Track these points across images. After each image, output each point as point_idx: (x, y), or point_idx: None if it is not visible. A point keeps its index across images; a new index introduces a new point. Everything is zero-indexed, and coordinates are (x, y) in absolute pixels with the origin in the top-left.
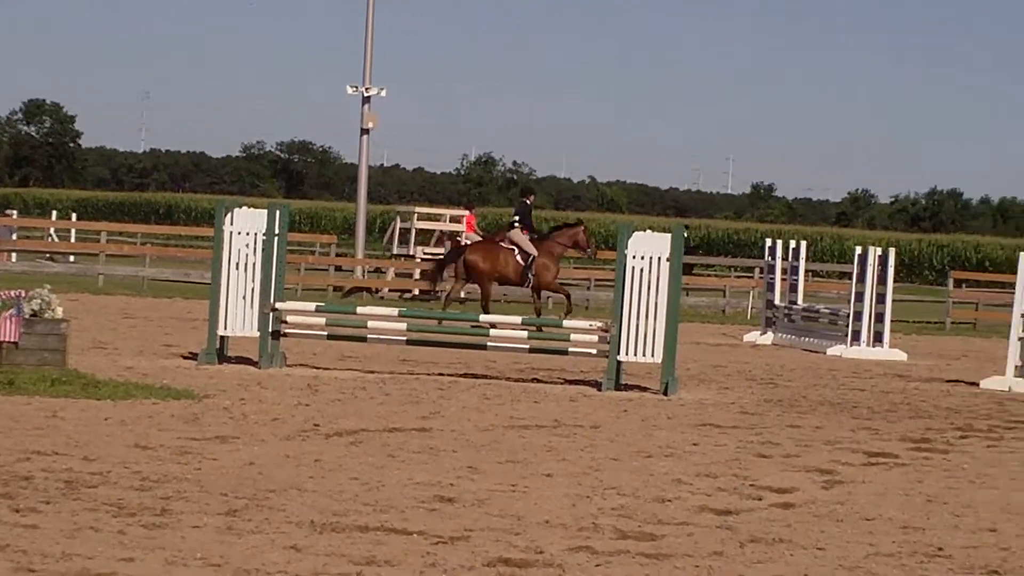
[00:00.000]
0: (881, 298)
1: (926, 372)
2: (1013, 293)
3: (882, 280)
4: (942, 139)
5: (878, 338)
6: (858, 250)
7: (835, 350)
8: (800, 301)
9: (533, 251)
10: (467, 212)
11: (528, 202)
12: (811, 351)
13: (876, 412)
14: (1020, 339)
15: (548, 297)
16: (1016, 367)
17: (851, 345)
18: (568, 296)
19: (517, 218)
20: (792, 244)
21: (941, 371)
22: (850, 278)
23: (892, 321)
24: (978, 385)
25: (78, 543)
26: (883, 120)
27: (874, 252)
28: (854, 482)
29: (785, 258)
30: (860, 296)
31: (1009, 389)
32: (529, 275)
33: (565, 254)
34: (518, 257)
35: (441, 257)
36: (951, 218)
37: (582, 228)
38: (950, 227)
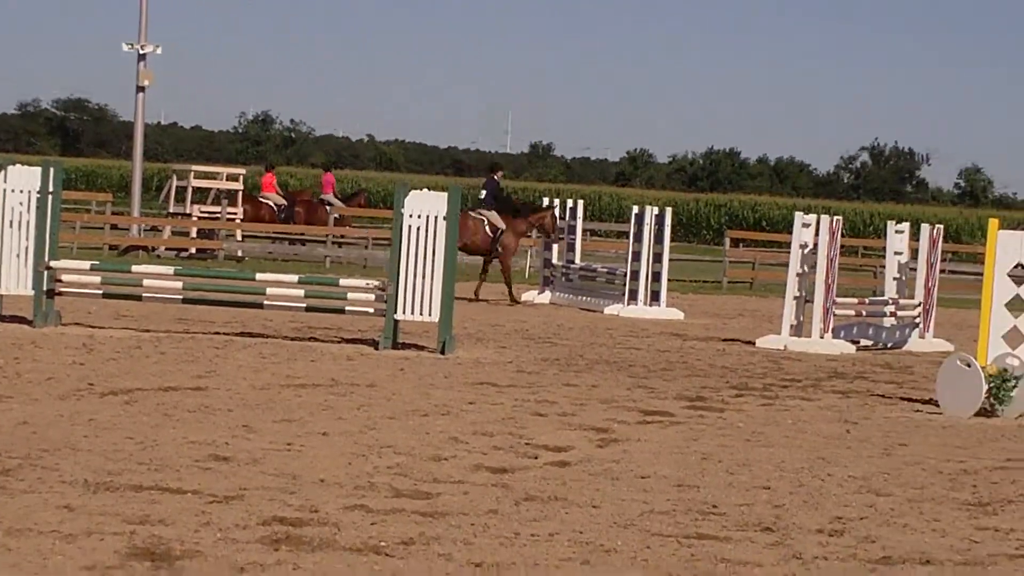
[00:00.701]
0: (658, 257)
1: (702, 331)
2: (789, 252)
3: (659, 239)
4: (719, 99)
5: (655, 297)
6: (635, 209)
7: (612, 309)
8: (578, 260)
9: (502, 225)
10: (267, 172)
11: (496, 178)
12: (589, 310)
13: (652, 371)
14: (795, 298)
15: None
16: (791, 326)
17: (628, 304)
18: (507, 272)
19: (484, 193)
20: (570, 203)
21: (717, 330)
22: (628, 237)
23: (669, 280)
24: (754, 344)
25: None
26: (661, 80)
27: (651, 211)
28: (629, 440)
29: (563, 217)
30: (637, 255)
31: (784, 348)
32: (496, 248)
33: (529, 234)
34: (487, 228)
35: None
36: (728, 178)
37: (550, 213)
38: (728, 187)
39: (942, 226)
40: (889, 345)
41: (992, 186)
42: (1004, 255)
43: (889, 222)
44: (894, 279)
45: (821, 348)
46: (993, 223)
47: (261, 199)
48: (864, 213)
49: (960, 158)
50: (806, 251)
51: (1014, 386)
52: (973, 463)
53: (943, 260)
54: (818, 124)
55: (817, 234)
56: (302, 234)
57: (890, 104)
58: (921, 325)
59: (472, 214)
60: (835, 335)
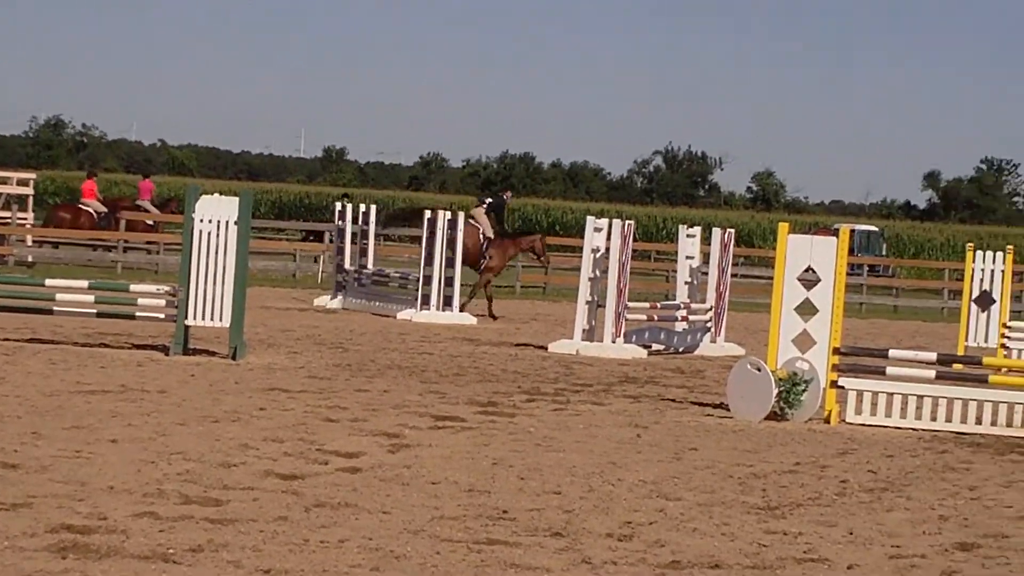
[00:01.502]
0: (451, 262)
1: (495, 336)
2: (581, 257)
3: (452, 244)
4: (513, 103)
5: (448, 302)
6: (428, 214)
7: (405, 314)
8: (371, 265)
9: (491, 234)
10: (88, 179)
11: (506, 197)
12: (381, 315)
13: (444, 376)
14: (588, 303)
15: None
16: (584, 331)
17: (421, 309)
18: (488, 287)
19: (489, 201)
20: (363, 208)
21: (510, 335)
22: (421, 242)
23: (461, 285)
24: (546, 349)
25: None
26: (455, 84)
27: (444, 216)
28: (421, 446)
29: (356, 222)
30: (430, 260)
31: (577, 352)
32: (484, 257)
33: (517, 255)
34: (480, 235)
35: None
36: (522, 182)
37: (539, 237)
38: (522, 191)
39: (733, 230)
40: (681, 349)
41: (784, 190)
42: (794, 259)
43: (681, 226)
44: (686, 283)
45: (613, 353)
46: (783, 227)
47: (81, 206)
48: (657, 217)
49: (753, 162)
50: (598, 255)
51: (804, 390)
52: (763, 467)
53: (735, 264)
54: (612, 128)
55: (609, 238)
56: (107, 240)
57: (683, 108)
58: (712, 329)
59: (472, 221)
60: (627, 339)
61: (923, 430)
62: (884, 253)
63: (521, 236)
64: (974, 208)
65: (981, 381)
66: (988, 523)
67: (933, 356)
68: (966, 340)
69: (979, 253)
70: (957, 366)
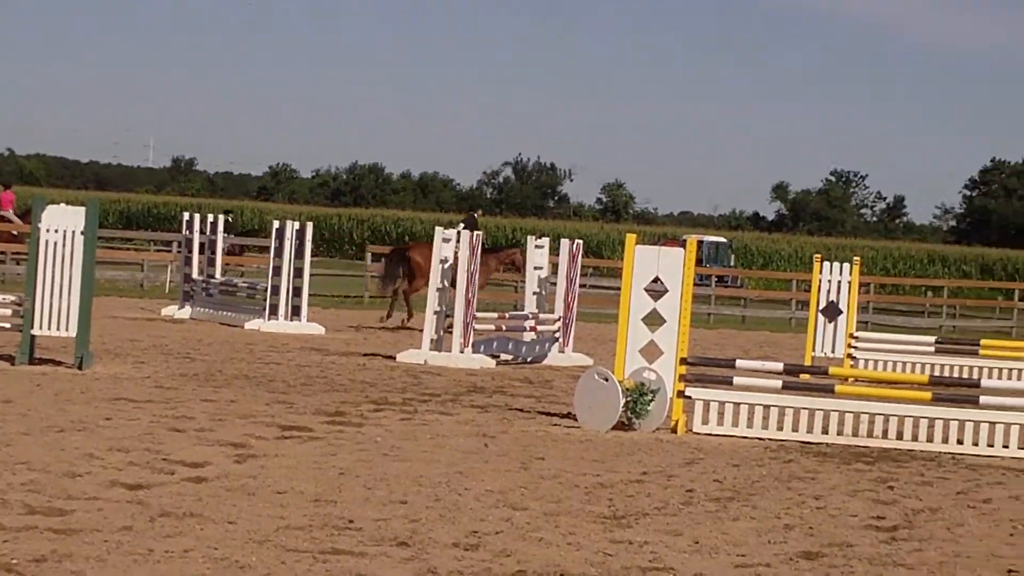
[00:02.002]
0: (299, 272)
1: (343, 346)
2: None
3: (300, 254)
4: (363, 114)
5: (296, 312)
6: (275, 224)
7: (253, 324)
8: (219, 275)
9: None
10: (3, 190)
11: (476, 216)
12: (229, 325)
13: (292, 386)
14: (436, 313)
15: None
16: (432, 340)
17: (269, 319)
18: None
19: (462, 226)
20: (211, 218)
21: (358, 345)
22: (269, 252)
23: (310, 295)
24: (395, 359)
25: None
26: (305, 94)
27: (292, 226)
28: (267, 455)
29: (204, 232)
30: (278, 270)
31: (425, 362)
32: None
33: (499, 270)
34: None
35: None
36: (372, 192)
37: (517, 251)
38: (371, 201)
39: (581, 241)
40: (529, 359)
41: (633, 201)
42: (641, 270)
43: (529, 237)
44: (534, 294)
45: (461, 362)
46: (630, 238)
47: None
48: (507, 228)
49: (602, 174)
50: (446, 266)
51: (651, 400)
52: (610, 476)
53: (583, 275)
54: (461, 139)
55: (457, 249)
56: None
57: (533, 119)
58: (561, 339)
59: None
60: (475, 350)
61: (769, 440)
62: (732, 264)
63: (500, 250)
64: (822, 220)
65: (827, 391)
66: (833, 532)
67: (780, 366)
68: (813, 350)
69: (826, 264)
70: (804, 376)
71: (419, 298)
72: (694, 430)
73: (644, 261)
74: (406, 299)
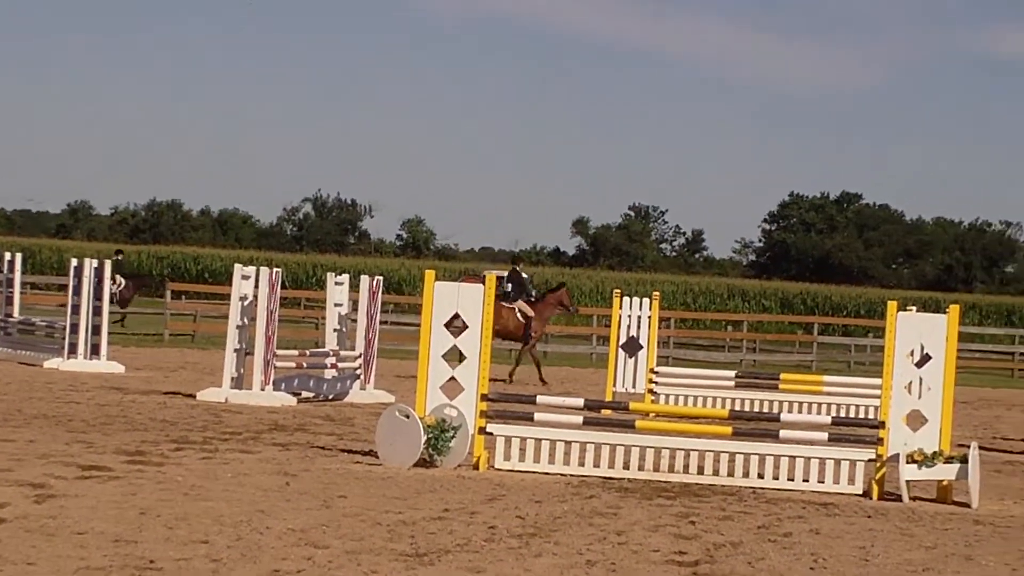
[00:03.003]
0: (98, 310)
1: (143, 384)
2: (230, 304)
3: (98, 293)
4: (160, 149)
5: (95, 350)
6: (74, 262)
7: (52, 363)
8: (17, 314)
9: (532, 313)
10: None
11: (519, 269)
12: (28, 364)
13: (92, 425)
14: (236, 350)
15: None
16: (232, 378)
17: (68, 358)
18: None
19: (510, 286)
20: (8, 256)
21: (159, 383)
22: (67, 290)
23: (110, 333)
24: (195, 397)
25: None
26: (102, 130)
27: (90, 264)
28: (67, 496)
29: (0, 271)
30: (77, 308)
31: (226, 400)
32: (530, 334)
33: (553, 314)
34: (519, 316)
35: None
36: (171, 229)
37: (565, 290)
38: (170, 238)
39: (381, 278)
40: (330, 397)
41: (434, 237)
42: (441, 306)
43: (329, 274)
44: (335, 331)
45: (262, 400)
46: (429, 274)
47: None
48: (307, 264)
49: (403, 210)
50: (246, 303)
51: (452, 436)
52: (411, 513)
53: (384, 311)
54: (260, 175)
55: (257, 286)
56: None
57: (332, 156)
58: (362, 376)
59: (504, 304)
60: (276, 387)
61: (571, 475)
62: (535, 298)
63: (549, 294)
64: (622, 254)
65: (628, 426)
66: (635, 568)
67: (580, 402)
68: (614, 386)
69: (626, 299)
70: (605, 412)
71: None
72: (496, 466)
73: (444, 297)
74: (529, 354)
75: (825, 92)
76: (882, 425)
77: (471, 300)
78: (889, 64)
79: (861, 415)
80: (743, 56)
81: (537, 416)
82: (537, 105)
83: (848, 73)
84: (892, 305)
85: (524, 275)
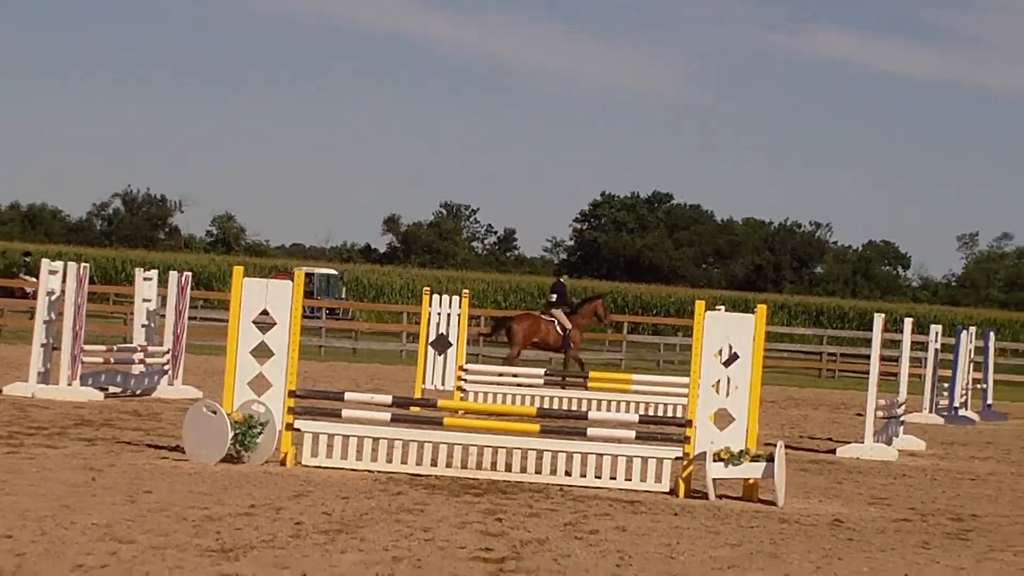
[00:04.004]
0: None
1: None
2: (37, 299)
3: None
4: None
5: None
6: None
7: None
8: None
9: (569, 325)
10: None
11: (562, 281)
12: None
13: None
14: (43, 345)
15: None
16: (39, 373)
17: None
18: (580, 361)
19: (555, 296)
20: None
21: None
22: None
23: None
24: (1, 392)
25: None
26: None
27: None
28: None
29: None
30: None
31: (32, 395)
32: (568, 344)
33: (590, 323)
34: (557, 328)
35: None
36: None
37: (601, 301)
38: None
39: (190, 273)
40: (138, 392)
41: (244, 233)
42: (249, 302)
43: (138, 269)
44: (143, 326)
45: (69, 395)
46: (238, 270)
47: None
48: (116, 260)
49: (213, 205)
50: (53, 298)
51: (259, 432)
52: (218, 509)
53: (193, 307)
54: (69, 170)
55: (64, 281)
56: None
57: (142, 151)
58: (170, 372)
59: (544, 317)
60: (83, 382)
61: (379, 472)
62: (343, 296)
63: (584, 305)
64: (433, 252)
65: (436, 423)
66: (441, 564)
67: (389, 399)
68: (423, 383)
69: (436, 297)
70: (413, 409)
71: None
72: (303, 463)
73: (252, 293)
74: (572, 359)
75: (638, 92)
76: (689, 423)
77: (279, 296)
78: (701, 65)
79: (669, 414)
80: (559, 55)
81: (345, 413)
82: (348, 102)
83: (661, 73)
84: (700, 304)
85: (565, 286)
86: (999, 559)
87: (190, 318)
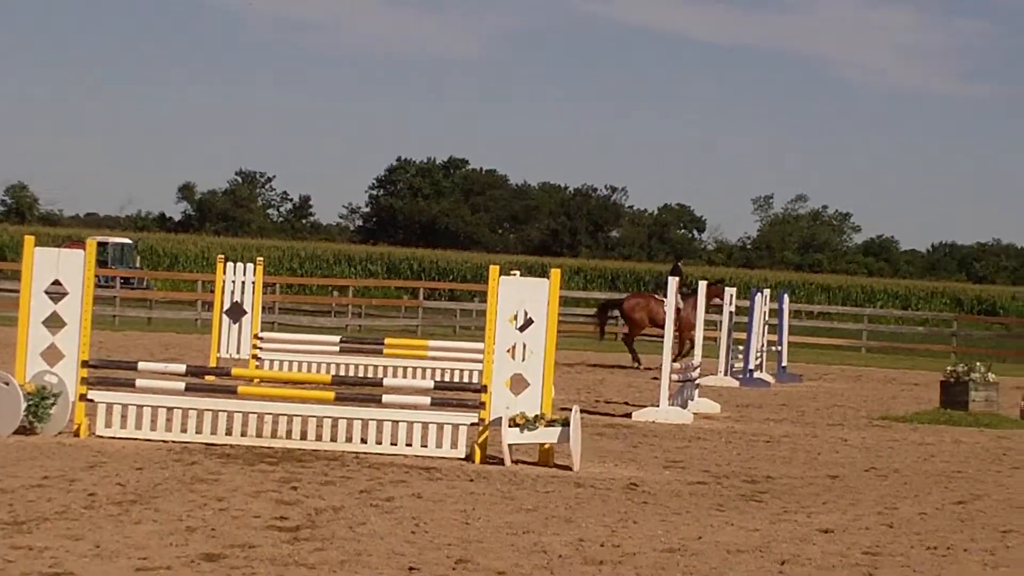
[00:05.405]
0: None
1: None
2: None
3: None
4: None
5: None
6: None
7: None
8: None
9: (681, 305)
10: None
11: (679, 265)
12: None
13: None
14: None
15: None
16: None
17: None
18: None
19: (671, 278)
20: None
21: None
22: None
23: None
24: None
25: None
26: None
27: None
28: None
29: None
30: None
31: None
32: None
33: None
34: (662, 308)
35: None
36: None
37: (721, 286)
38: None
39: None
40: None
41: (38, 203)
42: (40, 272)
43: None
44: None
45: None
46: (28, 240)
47: None
48: None
49: (5, 175)
50: None
51: (52, 404)
52: (10, 481)
53: None
54: None
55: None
56: None
57: None
58: None
59: (656, 296)
60: None
61: (174, 442)
62: (138, 265)
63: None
64: (229, 220)
65: (231, 392)
66: (235, 533)
67: (183, 368)
68: (218, 352)
69: (230, 265)
70: (208, 378)
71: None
72: (97, 434)
73: (44, 263)
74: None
75: (433, 56)
76: (484, 389)
77: (71, 266)
78: (493, 30)
79: (466, 379)
80: (351, 19)
81: (139, 383)
82: (144, 68)
83: (456, 37)
84: (494, 269)
85: (681, 269)
86: (792, 520)
87: None
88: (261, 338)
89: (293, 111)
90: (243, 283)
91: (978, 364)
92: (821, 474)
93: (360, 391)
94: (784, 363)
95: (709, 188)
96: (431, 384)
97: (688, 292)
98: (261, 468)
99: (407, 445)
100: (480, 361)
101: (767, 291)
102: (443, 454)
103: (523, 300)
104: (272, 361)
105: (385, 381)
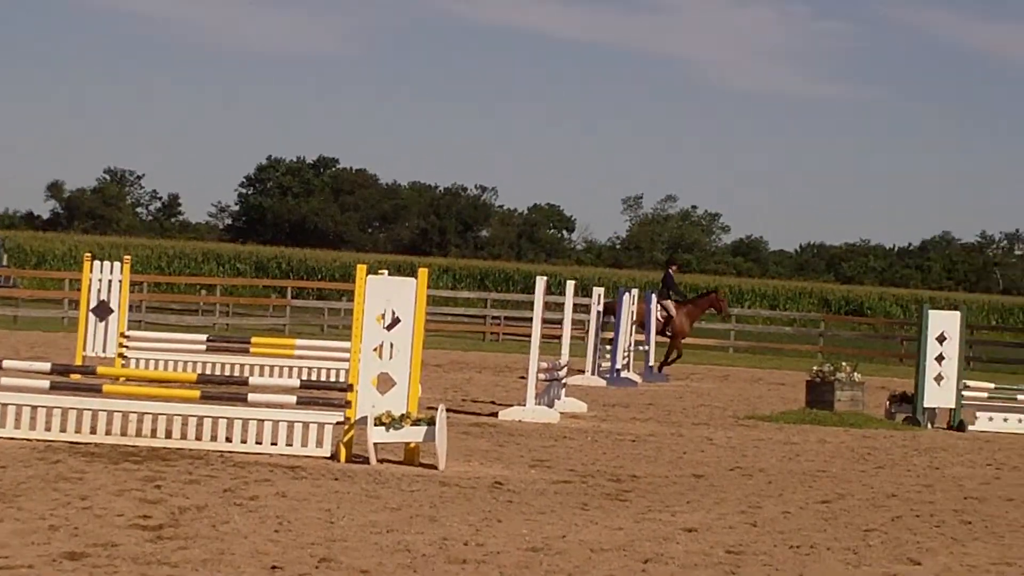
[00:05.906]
0: None
1: None
2: None
3: None
4: None
5: None
6: None
7: None
8: None
9: (673, 312)
10: None
11: (672, 272)
12: None
13: None
14: None
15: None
16: None
17: None
18: (679, 351)
19: (663, 287)
20: None
21: None
22: None
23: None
24: None
25: None
26: None
27: None
28: None
29: None
30: None
31: None
32: (667, 330)
33: (703, 315)
34: (659, 315)
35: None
36: None
37: (718, 294)
38: None
39: None
40: None
41: None
42: None
43: None
44: None
45: None
46: None
47: None
48: None
49: None
50: None
51: None
52: None
53: None
54: None
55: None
56: None
57: None
58: None
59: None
60: None
61: (37, 440)
62: (5, 264)
63: (702, 298)
64: (97, 218)
65: (96, 391)
66: (99, 532)
67: (48, 366)
68: (85, 350)
69: (97, 263)
70: (74, 376)
71: None
72: None
73: None
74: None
75: (301, 55)
76: (351, 388)
77: None
78: (361, 29)
79: (333, 378)
80: (225, 17)
81: (3, 381)
82: (10, 65)
83: (324, 35)
84: (361, 268)
85: (673, 277)
86: (657, 519)
87: None
88: (128, 336)
89: (162, 109)
90: (110, 281)
91: (844, 364)
92: (686, 473)
93: (226, 390)
94: (652, 362)
95: (579, 188)
96: (297, 383)
97: (681, 300)
98: (125, 467)
99: (272, 444)
100: (347, 360)
101: (635, 291)
102: (308, 453)
103: (390, 299)
104: (138, 360)
105: (251, 380)
